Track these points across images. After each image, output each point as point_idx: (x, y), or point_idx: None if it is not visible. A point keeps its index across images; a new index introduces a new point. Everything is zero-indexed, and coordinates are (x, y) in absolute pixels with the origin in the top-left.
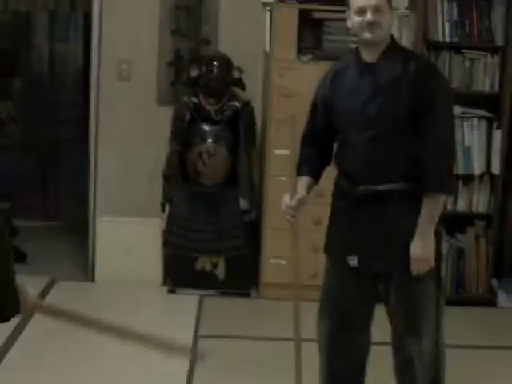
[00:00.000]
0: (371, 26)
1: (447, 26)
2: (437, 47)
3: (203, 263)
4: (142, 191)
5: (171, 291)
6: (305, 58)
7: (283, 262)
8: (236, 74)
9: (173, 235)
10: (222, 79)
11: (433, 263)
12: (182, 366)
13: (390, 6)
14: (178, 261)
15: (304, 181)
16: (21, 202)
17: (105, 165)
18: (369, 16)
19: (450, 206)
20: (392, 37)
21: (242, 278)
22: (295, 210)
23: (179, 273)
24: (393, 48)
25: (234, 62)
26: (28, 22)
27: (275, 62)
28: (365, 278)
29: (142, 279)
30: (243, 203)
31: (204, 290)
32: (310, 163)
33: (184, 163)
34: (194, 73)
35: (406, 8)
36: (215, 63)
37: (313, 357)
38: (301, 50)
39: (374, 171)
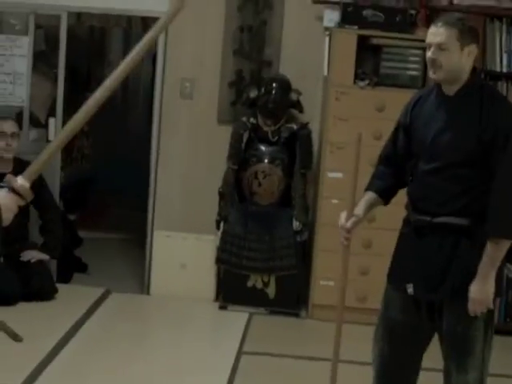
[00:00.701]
0: (431, 64)
1: (505, 56)
2: (494, 77)
3: (255, 281)
4: (199, 208)
5: (222, 307)
6: (362, 84)
7: (332, 283)
8: (294, 97)
9: (226, 252)
10: (280, 101)
11: (491, 306)
12: (221, 380)
13: (465, 44)
14: (230, 278)
15: (368, 197)
16: (87, 214)
17: (165, 180)
18: (429, 53)
19: None
20: (473, 73)
21: (292, 298)
22: (349, 231)
23: (231, 289)
24: (472, 84)
25: (294, 85)
26: (103, 38)
27: (332, 86)
28: (421, 307)
29: (195, 294)
30: (296, 224)
31: (254, 307)
32: (381, 179)
33: (240, 182)
34: (253, 94)
35: None
36: (274, 85)
37: (351, 378)
38: (358, 76)
39: (435, 202)
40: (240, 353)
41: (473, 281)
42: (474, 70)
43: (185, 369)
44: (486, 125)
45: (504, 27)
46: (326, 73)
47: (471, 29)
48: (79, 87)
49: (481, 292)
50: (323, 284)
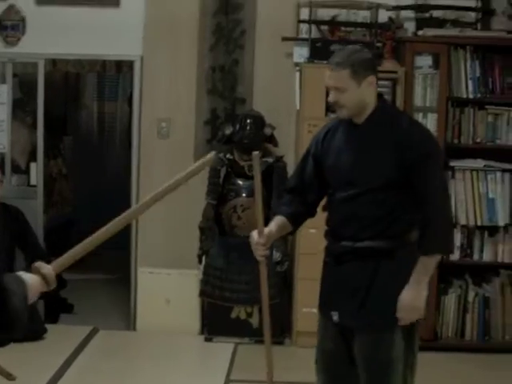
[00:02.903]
0: (334, 105)
1: (470, 82)
2: (461, 103)
3: (238, 312)
4: (181, 244)
5: (208, 339)
6: (333, 116)
7: (314, 310)
8: (268, 131)
9: (209, 285)
10: (255, 136)
11: (422, 314)
12: None
13: (361, 79)
14: (214, 310)
15: (277, 219)
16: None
17: (146, 218)
18: (330, 96)
19: (476, 257)
20: (380, 100)
21: (276, 327)
22: (264, 245)
23: (215, 321)
24: (380, 111)
25: (267, 120)
26: (77, 82)
27: (305, 119)
28: (348, 333)
29: (180, 328)
30: (276, 254)
31: (239, 337)
32: (289, 206)
33: (220, 216)
34: (228, 130)
35: (429, 66)
36: (248, 121)
37: None
38: (329, 108)
39: (355, 228)
40: (228, 381)
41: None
42: (379, 95)
43: None
44: (399, 148)
45: (468, 55)
46: (298, 107)
47: (364, 61)
48: (56, 131)
49: (413, 298)
50: (306, 311)
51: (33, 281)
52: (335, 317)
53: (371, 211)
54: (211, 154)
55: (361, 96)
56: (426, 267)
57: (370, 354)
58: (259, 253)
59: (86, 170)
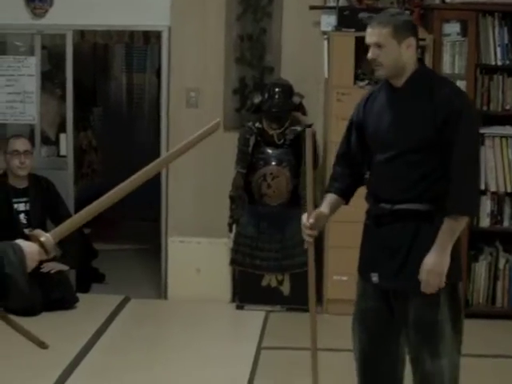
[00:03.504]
0: (372, 63)
1: (499, 49)
2: (489, 70)
3: (269, 280)
4: (211, 213)
5: (239, 307)
6: (362, 84)
7: (345, 278)
8: (297, 100)
9: (239, 254)
10: (283, 105)
11: (443, 281)
12: (243, 373)
13: (401, 39)
14: (245, 278)
15: (329, 198)
16: (100, 227)
17: (176, 188)
18: (369, 53)
19: (506, 224)
20: (419, 63)
21: (307, 294)
22: (312, 228)
23: (246, 290)
24: (419, 74)
25: (296, 88)
26: (106, 54)
27: (333, 87)
28: (387, 294)
29: (211, 296)
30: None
31: (270, 305)
32: (341, 181)
33: (249, 185)
34: (256, 99)
35: (457, 34)
36: (276, 90)
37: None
38: (358, 76)
39: (394, 190)
40: (259, 348)
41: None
42: (419, 60)
43: (206, 365)
44: (437, 107)
45: (496, 22)
46: (326, 75)
47: (405, 23)
48: (86, 103)
49: (435, 263)
50: (336, 279)
51: (31, 248)
52: (374, 278)
53: (409, 173)
54: (217, 120)
55: (399, 56)
56: (451, 230)
57: (414, 316)
58: (306, 234)
59: (116, 142)
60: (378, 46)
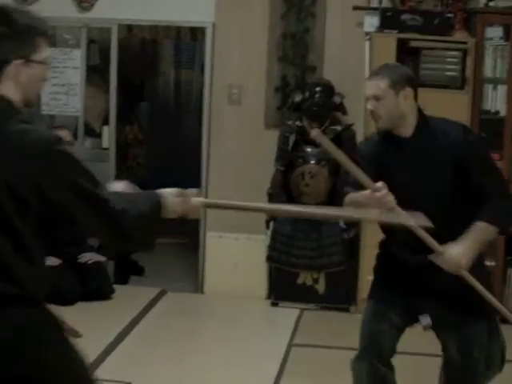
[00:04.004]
0: (372, 115)
1: None
2: None
3: (304, 278)
4: None
5: (274, 304)
6: None
7: None
8: (337, 100)
9: (276, 251)
10: (324, 104)
11: (461, 270)
12: (271, 369)
13: (398, 90)
14: (280, 276)
15: None
16: None
17: (216, 184)
18: (368, 105)
19: None
20: (419, 111)
21: (341, 293)
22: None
23: (282, 287)
24: (424, 123)
25: (337, 88)
26: (155, 49)
27: None
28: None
29: (247, 292)
30: (343, 222)
31: (305, 303)
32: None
33: (288, 183)
34: (297, 98)
35: (500, 38)
36: (317, 89)
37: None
38: None
39: (445, 238)
40: (290, 345)
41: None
42: (418, 109)
43: (237, 361)
44: (452, 153)
45: None
46: (367, 75)
47: (402, 75)
48: (133, 97)
49: (459, 253)
50: (370, 279)
51: (172, 199)
52: (426, 321)
53: (446, 221)
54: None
55: (397, 107)
56: (481, 231)
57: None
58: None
59: (162, 136)
60: (376, 98)
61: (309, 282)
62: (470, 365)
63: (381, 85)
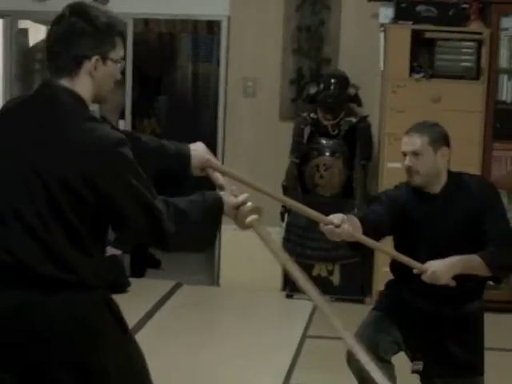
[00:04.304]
0: (409, 170)
1: None
2: None
3: (319, 270)
4: (264, 201)
5: (289, 296)
6: (417, 76)
7: None
8: (352, 91)
9: (291, 243)
10: (338, 96)
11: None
12: (284, 362)
13: (437, 148)
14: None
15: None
16: None
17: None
18: (406, 161)
19: None
20: (448, 171)
21: (356, 285)
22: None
23: None
24: (453, 180)
25: (352, 80)
26: (172, 43)
27: (389, 79)
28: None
29: (263, 284)
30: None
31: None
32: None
33: (303, 175)
34: (312, 90)
35: None
36: (332, 81)
37: None
38: (413, 69)
39: (456, 292)
40: (304, 337)
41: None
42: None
43: (251, 352)
44: (476, 209)
45: None
46: (382, 67)
47: (441, 133)
48: (151, 91)
49: (443, 270)
50: (385, 271)
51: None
52: (419, 366)
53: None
54: None
55: (435, 165)
56: (470, 259)
57: None
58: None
59: (180, 130)
60: (415, 154)
61: (324, 274)
62: None
63: (421, 142)
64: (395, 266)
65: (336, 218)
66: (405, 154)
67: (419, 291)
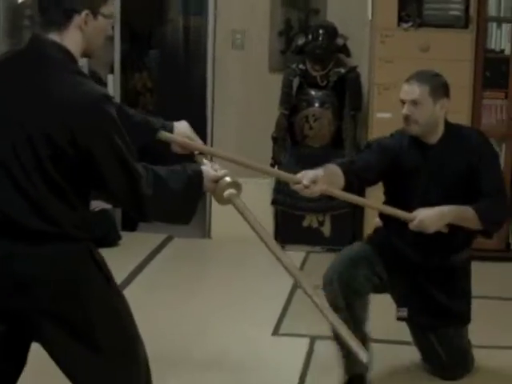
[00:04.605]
0: (407, 119)
1: None
2: None
3: (310, 221)
4: (254, 153)
5: (280, 247)
6: (406, 26)
7: None
8: (340, 42)
9: (281, 194)
10: (327, 46)
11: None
12: (274, 311)
13: (437, 99)
14: (286, 219)
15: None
16: None
17: (220, 129)
18: (404, 110)
19: None
20: (446, 122)
21: (347, 235)
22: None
23: (287, 230)
24: (449, 132)
25: (340, 30)
26: None
27: (377, 29)
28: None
29: (254, 236)
30: None
31: (310, 246)
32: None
33: (292, 126)
34: (300, 41)
35: None
36: (320, 31)
37: None
38: (402, 18)
39: (445, 242)
40: (296, 287)
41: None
42: (445, 121)
43: (241, 302)
44: (470, 161)
45: None
46: (370, 17)
47: (442, 84)
48: (142, 45)
49: (433, 218)
50: (377, 220)
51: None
52: (404, 313)
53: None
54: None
55: (433, 115)
56: (463, 210)
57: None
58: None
59: (171, 84)
60: (415, 103)
61: (314, 225)
62: (454, 354)
63: (421, 91)
64: (384, 214)
65: (306, 177)
66: (403, 102)
67: (408, 240)
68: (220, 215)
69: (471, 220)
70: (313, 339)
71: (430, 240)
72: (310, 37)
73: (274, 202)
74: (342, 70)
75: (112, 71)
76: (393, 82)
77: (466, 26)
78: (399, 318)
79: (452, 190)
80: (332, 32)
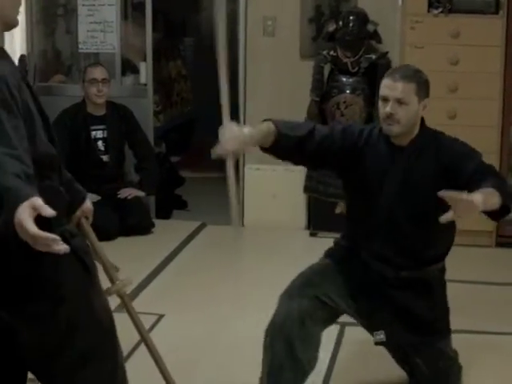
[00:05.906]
0: (388, 118)
1: None
2: None
3: (342, 208)
4: None
5: (312, 234)
6: (436, 11)
7: None
8: (371, 28)
9: (313, 181)
10: (357, 32)
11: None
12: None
13: (422, 98)
14: (319, 206)
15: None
16: (189, 156)
17: (253, 116)
18: (387, 108)
19: None
20: (421, 123)
21: None
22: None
23: (320, 217)
24: (423, 135)
25: (371, 16)
26: None
27: (407, 15)
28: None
29: (286, 223)
30: None
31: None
32: (290, 131)
33: (323, 113)
34: (331, 27)
35: None
36: (351, 17)
37: None
38: (432, 4)
39: (401, 255)
40: None
41: None
42: (422, 122)
43: (273, 289)
44: (447, 167)
45: None
46: (400, 3)
47: (425, 82)
48: (176, 33)
49: (484, 201)
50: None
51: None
52: (379, 336)
53: (417, 239)
54: None
55: (416, 115)
56: (492, 192)
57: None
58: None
59: (205, 71)
60: (400, 102)
61: None
62: (440, 372)
63: (408, 89)
64: (353, 223)
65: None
66: (385, 100)
67: (376, 252)
68: (252, 203)
69: (496, 201)
70: (343, 325)
71: (401, 251)
72: (341, 23)
73: (305, 190)
74: (373, 56)
75: (145, 59)
76: (423, 68)
77: (496, 12)
78: (377, 343)
79: (421, 196)
80: (362, 18)
